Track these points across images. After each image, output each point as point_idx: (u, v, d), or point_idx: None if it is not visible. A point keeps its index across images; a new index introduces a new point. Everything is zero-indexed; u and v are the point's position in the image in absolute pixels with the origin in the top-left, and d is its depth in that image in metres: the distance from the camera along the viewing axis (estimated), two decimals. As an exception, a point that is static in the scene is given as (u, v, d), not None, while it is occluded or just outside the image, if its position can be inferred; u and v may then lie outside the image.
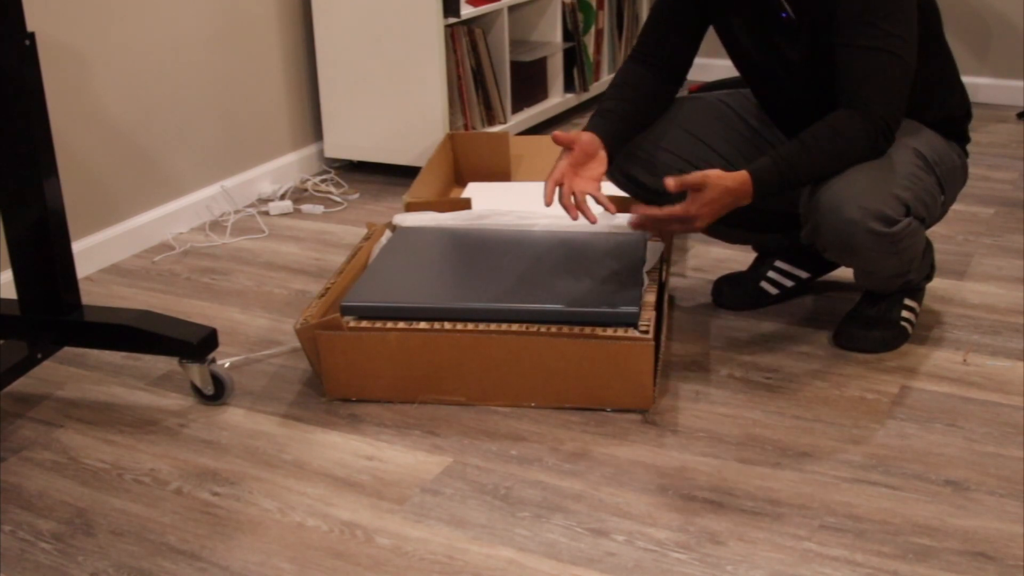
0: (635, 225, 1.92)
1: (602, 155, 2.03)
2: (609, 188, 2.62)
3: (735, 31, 2.10)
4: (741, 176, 1.87)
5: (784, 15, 1.99)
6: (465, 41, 3.23)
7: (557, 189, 1.97)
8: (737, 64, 2.16)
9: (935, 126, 2.08)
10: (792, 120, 2.11)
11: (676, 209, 1.87)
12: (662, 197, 2.13)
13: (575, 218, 1.95)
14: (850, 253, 1.95)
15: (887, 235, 1.90)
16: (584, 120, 3.86)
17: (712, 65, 4.02)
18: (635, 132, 2.13)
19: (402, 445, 1.89)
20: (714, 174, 1.84)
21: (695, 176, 1.84)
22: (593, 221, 1.95)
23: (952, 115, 2.10)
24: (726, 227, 2.30)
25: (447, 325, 1.95)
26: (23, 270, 1.97)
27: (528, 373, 1.95)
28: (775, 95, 2.14)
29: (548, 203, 1.95)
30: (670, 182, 1.82)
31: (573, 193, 1.97)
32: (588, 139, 2.01)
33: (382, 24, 3.10)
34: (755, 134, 2.20)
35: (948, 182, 2.07)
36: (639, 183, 2.17)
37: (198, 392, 2.04)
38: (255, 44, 3.07)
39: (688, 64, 2.17)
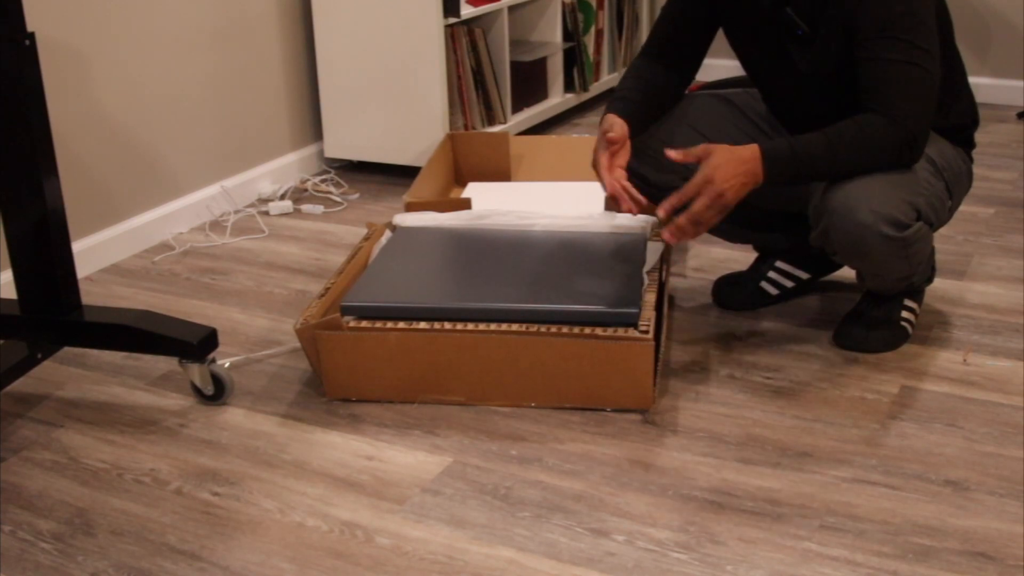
0: (672, 236, 1.88)
1: (628, 143, 2.04)
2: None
3: (746, 40, 2.10)
4: (751, 148, 1.87)
5: (799, 32, 1.99)
6: (465, 41, 3.23)
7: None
8: (747, 69, 2.17)
9: (945, 133, 2.08)
10: (801, 128, 2.11)
11: (692, 183, 1.86)
12: (669, 194, 2.14)
13: (628, 209, 1.97)
14: (861, 257, 1.95)
15: (899, 239, 1.90)
16: (584, 120, 3.86)
17: (713, 65, 4.01)
18: (648, 123, 2.14)
19: (402, 445, 1.89)
20: (716, 144, 1.88)
21: (698, 147, 1.87)
22: (635, 211, 1.98)
23: (961, 123, 2.09)
24: (728, 225, 2.30)
25: (447, 325, 1.95)
26: (23, 270, 1.97)
27: (528, 373, 1.95)
28: (785, 102, 2.14)
29: (611, 191, 1.98)
30: (673, 153, 1.86)
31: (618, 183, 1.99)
32: (622, 127, 2.02)
33: (382, 24, 3.10)
34: (762, 134, 2.20)
35: (955, 187, 2.07)
36: (648, 181, 2.16)
37: (198, 392, 2.04)
38: (255, 44, 3.07)
39: (698, 62, 2.17)
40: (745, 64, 2.16)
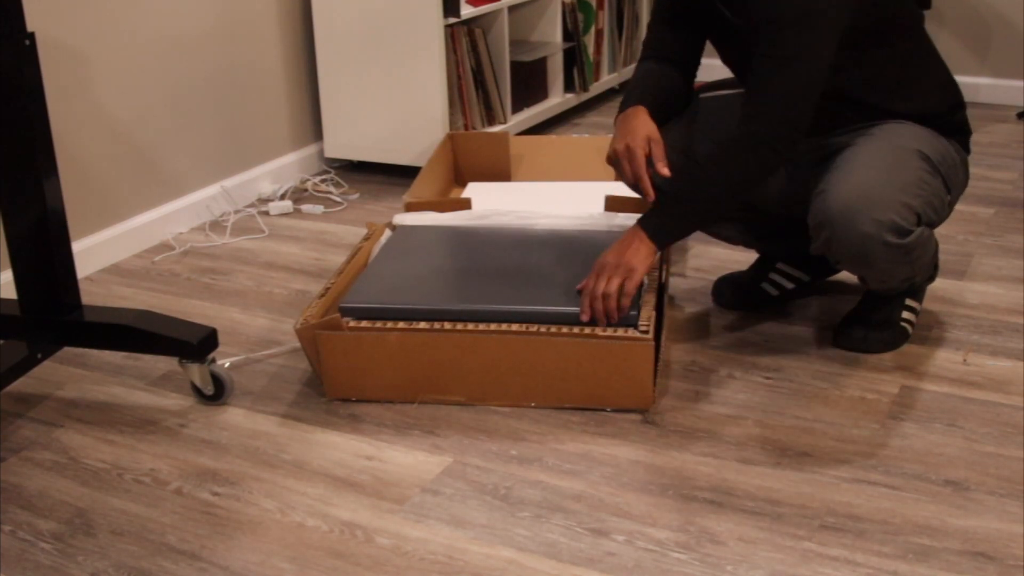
0: (586, 315, 1.94)
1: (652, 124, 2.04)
2: (617, 188, 2.62)
3: (710, 35, 2.12)
4: (630, 230, 1.95)
5: (735, 23, 1.99)
6: (465, 41, 3.23)
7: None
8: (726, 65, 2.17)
9: (921, 120, 2.05)
10: None
11: (587, 281, 1.95)
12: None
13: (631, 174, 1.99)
14: (866, 265, 1.95)
15: (901, 246, 1.91)
16: (584, 120, 3.87)
17: (713, 65, 4.01)
18: (661, 122, 2.12)
19: (402, 445, 1.89)
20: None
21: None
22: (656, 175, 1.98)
23: (938, 109, 2.06)
24: (733, 231, 2.29)
25: (447, 325, 1.95)
26: (23, 270, 1.97)
27: (528, 373, 1.95)
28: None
29: (650, 195, 1.97)
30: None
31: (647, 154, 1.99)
32: (646, 125, 2.01)
33: (382, 24, 3.11)
34: None
35: (952, 181, 2.06)
36: (654, 185, 2.15)
37: (198, 392, 2.04)
38: (255, 44, 3.07)
39: (696, 58, 2.16)
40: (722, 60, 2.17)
